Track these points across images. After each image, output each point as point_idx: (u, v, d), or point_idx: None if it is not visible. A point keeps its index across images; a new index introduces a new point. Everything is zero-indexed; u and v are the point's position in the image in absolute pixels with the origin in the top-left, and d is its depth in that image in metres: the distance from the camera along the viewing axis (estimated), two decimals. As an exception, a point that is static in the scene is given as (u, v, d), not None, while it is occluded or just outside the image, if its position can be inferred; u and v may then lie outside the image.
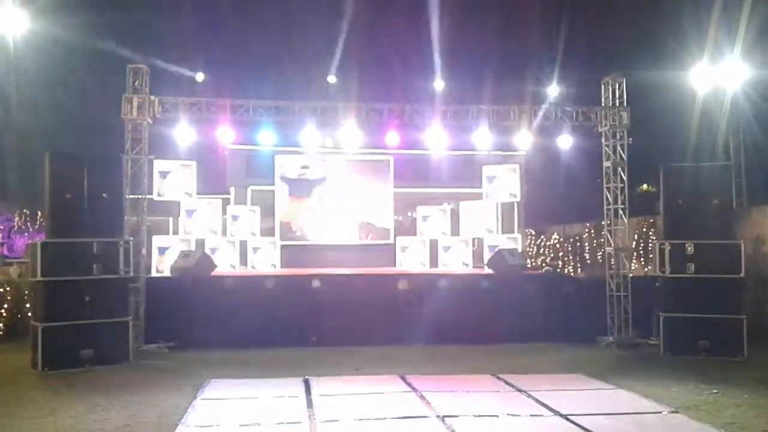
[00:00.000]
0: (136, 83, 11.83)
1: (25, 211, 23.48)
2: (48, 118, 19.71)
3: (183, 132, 12.86)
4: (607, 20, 20.06)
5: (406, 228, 18.25)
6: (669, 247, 11.64)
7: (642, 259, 17.06)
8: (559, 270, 18.12)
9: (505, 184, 16.46)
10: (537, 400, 8.17)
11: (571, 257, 20.97)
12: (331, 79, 13.41)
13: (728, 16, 15.19)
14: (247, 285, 13.23)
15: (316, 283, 12.89)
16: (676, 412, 7.67)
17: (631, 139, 12.85)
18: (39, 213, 21.89)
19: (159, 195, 14.69)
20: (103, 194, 10.82)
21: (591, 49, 19.94)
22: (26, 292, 12.90)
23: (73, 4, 16.06)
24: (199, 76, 12.19)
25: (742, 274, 11.33)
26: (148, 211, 12.25)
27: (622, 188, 12.85)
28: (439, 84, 13.84)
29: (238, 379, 9.51)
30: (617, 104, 12.88)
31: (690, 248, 11.51)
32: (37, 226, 22.70)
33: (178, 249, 14.28)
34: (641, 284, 12.93)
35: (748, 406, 8.01)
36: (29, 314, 11.96)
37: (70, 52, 16.97)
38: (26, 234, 23.13)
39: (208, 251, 14.82)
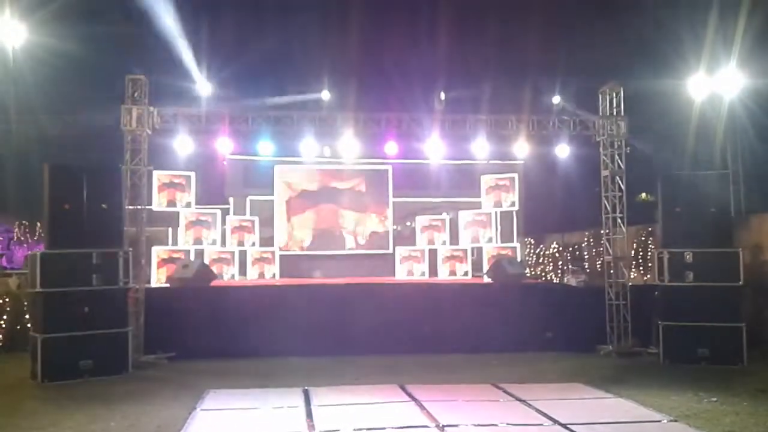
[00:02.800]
0: (135, 94, 11.87)
1: (24, 222, 23.49)
2: (47, 128, 19.74)
3: (182, 143, 12.91)
4: (605, 30, 20.13)
5: (405, 237, 18.27)
6: (668, 256, 11.67)
7: (641, 268, 17.06)
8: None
9: (503, 193, 16.51)
10: (536, 409, 8.17)
11: (570, 266, 20.96)
12: (325, 95, 13.58)
13: (725, 25, 15.26)
14: (246, 295, 13.24)
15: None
16: (675, 421, 7.68)
17: (629, 148, 12.89)
18: (38, 224, 21.90)
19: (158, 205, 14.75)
20: (103, 205, 10.84)
21: (589, 59, 20.00)
22: (25, 303, 12.89)
23: (71, 15, 16.10)
24: (206, 89, 12.24)
25: (740, 282, 11.35)
26: (147, 221, 12.27)
27: (621, 197, 12.89)
28: (439, 97, 14.05)
29: (238, 389, 9.52)
30: (615, 113, 12.93)
31: (689, 256, 11.54)
32: (36, 238, 22.70)
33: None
34: (640, 293, 12.94)
35: (747, 414, 8.02)
36: (28, 325, 11.95)
37: (69, 62, 17.00)
38: (25, 245, 23.13)
39: (207, 262, 14.84)
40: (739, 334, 11.18)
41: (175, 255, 14.99)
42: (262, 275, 16.35)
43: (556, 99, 19.84)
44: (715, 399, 8.77)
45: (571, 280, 16.32)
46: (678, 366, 11.14)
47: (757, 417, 7.86)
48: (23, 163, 18.51)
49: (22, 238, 23.56)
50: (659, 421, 7.70)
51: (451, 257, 16.67)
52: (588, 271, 18.77)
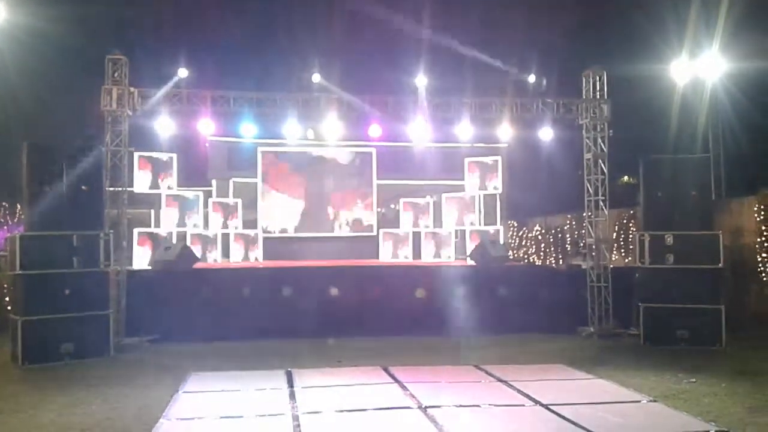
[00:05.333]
0: (116, 74, 11.72)
1: (3, 203, 23.20)
2: (26, 109, 19.45)
3: (163, 124, 12.78)
4: (588, 13, 20.13)
5: (389, 220, 18.27)
6: (649, 238, 11.75)
7: (622, 250, 17.18)
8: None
9: (487, 176, 16.54)
10: (518, 390, 8.23)
11: (552, 248, 21.09)
12: (316, 77, 13.54)
13: (707, 9, 15.30)
14: (229, 277, 13.20)
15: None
16: (655, 401, 7.76)
17: (611, 131, 12.94)
18: (18, 206, 21.65)
19: (139, 187, 14.63)
20: (83, 186, 10.75)
21: (572, 42, 20.00)
22: (5, 285, 12.77)
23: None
24: (182, 72, 12.10)
25: (720, 265, 11.47)
26: (128, 203, 12.16)
27: (603, 180, 12.95)
28: (421, 80, 14.04)
29: (221, 372, 9.50)
30: (598, 97, 12.96)
31: (669, 239, 11.63)
32: (16, 219, 22.44)
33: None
34: (621, 275, 13.05)
35: (725, 395, 8.12)
36: (8, 308, 11.85)
37: (49, 42, 16.74)
38: (5, 227, 22.85)
39: (189, 244, 14.76)
40: (719, 316, 11.30)
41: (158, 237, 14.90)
42: (245, 258, 16.30)
43: (536, 80, 19.85)
44: (694, 380, 8.88)
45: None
46: (658, 347, 11.27)
47: (735, 398, 7.96)
48: (2, 144, 18.25)
49: (2, 220, 23.26)
50: (639, 402, 7.78)
51: (434, 240, 16.70)
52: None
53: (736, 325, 11.77)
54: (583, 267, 13.49)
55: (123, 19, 18.22)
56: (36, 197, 10.49)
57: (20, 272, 10.18)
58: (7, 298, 12.56)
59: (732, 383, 8.69)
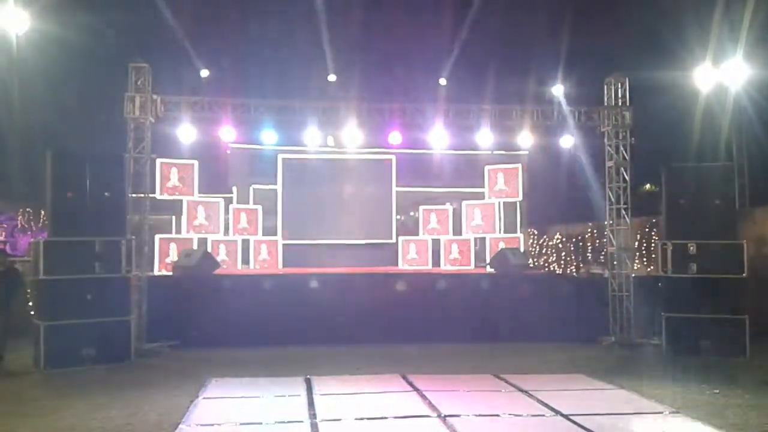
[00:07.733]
0: (139, 82, 11.84)
1: (28, 209, 23.48)
2: (50, 116, 19.69)
3: (185, 131, 12.89)
4: (610, 20, 20.00)
5: (409, 227, 18.23)
6: (671, 247, 11.64)
7: (644, 259, 17.01)
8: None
9: (507, 184, 16.45)
10: (538, 400, 8.17)
11: (573, 257, 20.93)
12: (331, 77, 13.58)
13: (731, 16, 15.15)
14: (249, 284, 13.23)
15: (314, 284, 12.88)
16: (678, 413, 7.67)
17: (633, 139, 12.85)
18: (42, 212, 21.88)
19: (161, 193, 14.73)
20: (106, 193, 10.85)
21: (594, 49, 19.88)
22: (29, 290, 12.89)
23: (74, 2, 16.05)
24: (204, 72, 12.18)
25: (744, 274, 11.34)
26: (150, 209, 12.25)
27: (625, 188, 12.85)
28: (442, 83, 14.02)
29: (240, 378, 9.53)
30: (620, 104, 12.88)
31: (692, 248, 11.52)
32: (39, 225, 22.69)
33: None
34: (643, 284, 12.93)
35: (749, 406, 8.00)
36: (31, 312, 11.96)
37: (72, 50, 16.95)
38: (29, 232, 23.12)
39: (210, 250, 14.82)
40: (742, 326, 11.17)
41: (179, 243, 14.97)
42: (265, 264, 16.33)
43: (560, 89, 19.78)
44: (717, 391, 8.76)
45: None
46: (680, 357, 11.13)
47: (760, 410, 7.84)
48: (27, 151, 18.48)
49: (26, 226, 23.55)
50: (661, 413, 7.69)
51: (454, 247, 16.63)
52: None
53: (760, 336, 11.60)
54: (605, 275, 13.37)
55: (146, 27, 18.39)
56: (59, 203, 10.62)
57: (43, 277, 10.28)
58: (30, 303, 12.66)
59: (756, 394, 8.58)
